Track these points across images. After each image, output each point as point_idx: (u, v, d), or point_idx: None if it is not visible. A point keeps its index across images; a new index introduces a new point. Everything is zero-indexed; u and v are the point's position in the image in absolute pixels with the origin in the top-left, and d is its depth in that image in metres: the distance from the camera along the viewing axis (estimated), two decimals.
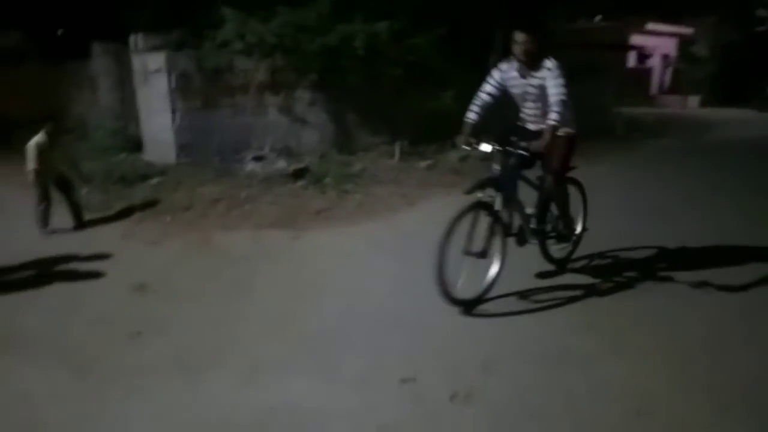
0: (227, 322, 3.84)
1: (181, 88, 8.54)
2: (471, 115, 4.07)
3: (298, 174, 7.73)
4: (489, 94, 4.08)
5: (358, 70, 9.38)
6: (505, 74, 4.05)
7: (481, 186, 3.81)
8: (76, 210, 6.12)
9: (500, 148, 3.83)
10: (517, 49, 3.84)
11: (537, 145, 3.76)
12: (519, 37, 3.80)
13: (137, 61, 9.01)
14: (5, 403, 2.94)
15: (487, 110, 4.08)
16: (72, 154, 6.53)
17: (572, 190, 4.49)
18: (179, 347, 3.48)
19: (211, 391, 3.00)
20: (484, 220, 3.81)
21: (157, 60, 8.56)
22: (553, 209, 4.33)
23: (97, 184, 7.20)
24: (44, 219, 5.89)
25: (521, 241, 4.19)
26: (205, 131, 8.58)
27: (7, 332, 3.73)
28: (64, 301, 4.22)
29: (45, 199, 5.89)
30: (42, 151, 5.74)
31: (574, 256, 4.71)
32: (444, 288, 3.66)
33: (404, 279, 4.49)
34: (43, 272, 4.79)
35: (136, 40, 8.98)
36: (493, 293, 3.98)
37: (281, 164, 8.09)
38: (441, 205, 6.80)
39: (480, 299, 3.90)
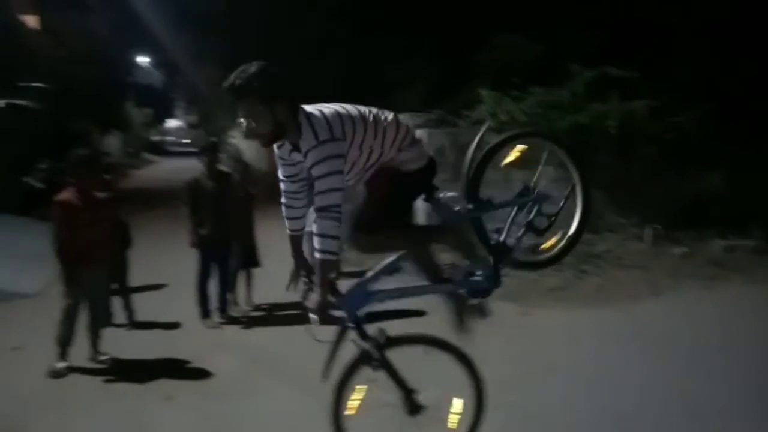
0: (445, 387, 4.07)
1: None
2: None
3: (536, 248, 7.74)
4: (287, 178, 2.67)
5: (610, 147, 9.14)
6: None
7: None
8: None
9: None
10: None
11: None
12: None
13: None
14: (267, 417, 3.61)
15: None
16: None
17: None
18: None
19: None
20: None
21: (417, 136, 9.57)
22: None
23: None
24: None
25: None
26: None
27: (273, 359, 4.52)
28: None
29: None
30: None
31: None
32: None
33: (636, 379, 4.20)
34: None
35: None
36: None
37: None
38: (694, 300, 6.19)
39: None
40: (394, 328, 2.77)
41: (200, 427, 3.63)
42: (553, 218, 3.08)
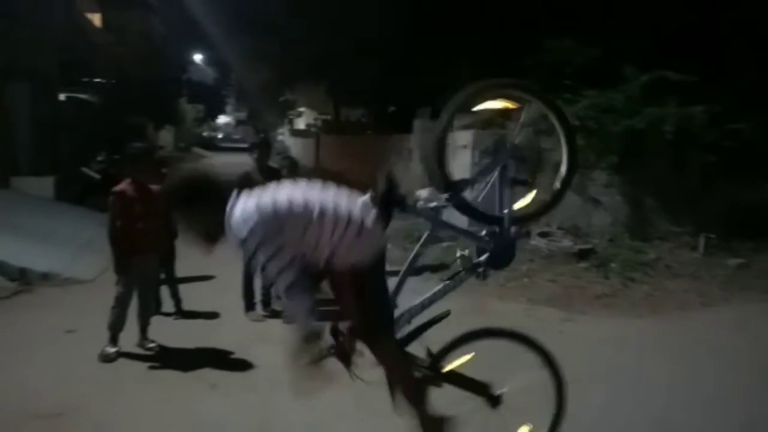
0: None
1: (482, 162, 9.30)
2: None
3: (583, 255, 7.60)
4: None
5: (665, 153, 8.86)
6: None
7: None
8: None
9: None
10: None
11: None
12: None
13: (448, 138, 10.11)
14: (307, 409, 3.65)
15: None
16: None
17: None
18: None
19: None
20: None
21: (465, 137, 9.52)
22: None
23: (398, 241, 8.25)
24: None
25: None
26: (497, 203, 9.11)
27: None
28: None
29: None
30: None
31: None
32: None
33: (682, 392, 4.06)
34: None
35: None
36: None
37: (566, 243, 8.07)
38: (748, 313, 5.94)
39: None
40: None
41: (244, 416, 3.70)
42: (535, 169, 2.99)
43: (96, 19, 20.10)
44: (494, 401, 2.83)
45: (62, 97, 15.33)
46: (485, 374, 2.85)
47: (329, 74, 20.56)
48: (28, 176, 11.48)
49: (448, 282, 2.80)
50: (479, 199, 2.95)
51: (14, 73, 11.65)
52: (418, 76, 14.42)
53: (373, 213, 2.45)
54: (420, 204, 2.76)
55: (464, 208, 2.80)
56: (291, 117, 33.32)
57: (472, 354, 2.84)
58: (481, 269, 2.80)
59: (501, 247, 2.79)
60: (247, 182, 5.51)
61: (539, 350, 2.94)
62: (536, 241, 8.23)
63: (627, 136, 8.83)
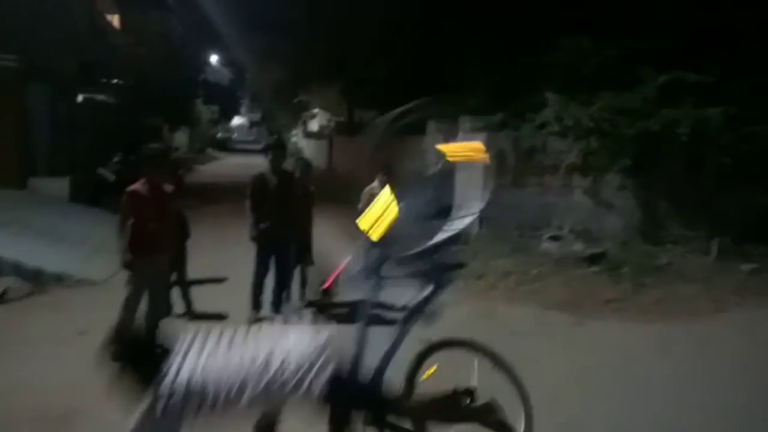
0: (491, 389, 4.03)
1: (496, 165, 9.27)
2: None
3: (594, 259, 7.55)
4: None
5: (679, 156, 8.77)
6: None
7: None
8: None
9: None
10: None
11: None
12: None
13: (461, 140, 10.12)
14: None
15: None
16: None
17: None
18: None
19: None
20: None
21: (479, 138, 9.46)
22: None
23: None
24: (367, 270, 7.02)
25: None
26: (509, 206, 9.06)
27: None
28: None
29: None
30: (372, 196, 6.93)
31: None
32: None
33: (692, 397, 4.03)
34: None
35: (464, 121, 10.14)
36: None
37: (578, 246, 8.02)
38: (761, 318, 5.86)
39: None
40: None
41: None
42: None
43: (115, 20, 20.33)
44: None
45: (80, 98, 15.53)
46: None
47: (343, 75, 20.65)
48: (45, 177, 11.66)
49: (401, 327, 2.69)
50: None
51: (33, 75, 11.84)
52: (432, 76, 14.42)
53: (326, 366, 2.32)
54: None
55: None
56: (305, 118, 33.46)
57: (435, 366, 2.84)
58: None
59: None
60: (260, 183, 5.61)
61: (494, 358, 2.89)
62: (547, 245, 8.19)
63: (641, 138, 8.75)
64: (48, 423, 3.57)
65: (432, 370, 2.88)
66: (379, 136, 2.81)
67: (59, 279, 6.66)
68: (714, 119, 8.43)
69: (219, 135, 37.44)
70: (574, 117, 8.90)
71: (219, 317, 5.62)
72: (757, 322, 5.75)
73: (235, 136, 38.98)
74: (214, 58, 37.92)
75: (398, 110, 2.87)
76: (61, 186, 11.41)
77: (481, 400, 2.76)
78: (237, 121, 46.40)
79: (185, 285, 5.77)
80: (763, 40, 9.65)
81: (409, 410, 2.70)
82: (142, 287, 4.61)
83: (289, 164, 6.14)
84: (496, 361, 2.88)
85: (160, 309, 4.88)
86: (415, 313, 2.68)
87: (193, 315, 5.68)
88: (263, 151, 5.97)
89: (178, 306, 5.68)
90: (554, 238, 8.30)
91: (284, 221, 5.52)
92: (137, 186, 4.62)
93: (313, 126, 32.52)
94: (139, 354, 2.46)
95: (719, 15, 10.03)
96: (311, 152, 27.70)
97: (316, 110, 31.38)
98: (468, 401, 2.75)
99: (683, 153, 8.72)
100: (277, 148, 5.75)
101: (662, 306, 6.23)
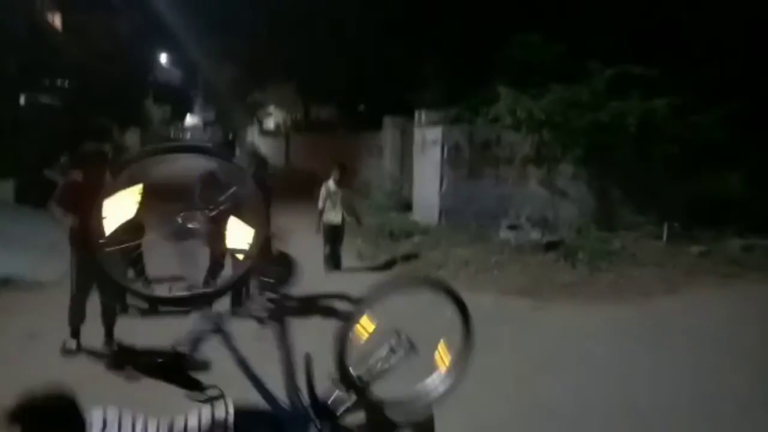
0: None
1: (452, 158, 9.38)
2: None
3: (551, 246, 7.72)
4: None
5: (629, 146, 9.05)
6: None
7: None
8: (337, 258, 7.10)
9: None
10: None
11: None
12: None
13: (418, 134, 10.23)
14: None
15: None
16: (352, 201, 7.51)
17: None
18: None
19: None
20: None
21: (434, 133, 9.58)
22: None
23: (370, 237, 8.25)
24: (326, 260, 7.00)
25: None
26: (467, 198, 9.20)
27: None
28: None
29: (326, 242, 7.02)
30: (329, 193, 6.92)
31: None
32: None
33: (647, 374, 4.17)
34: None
35: (420, 115, 10.22)
36: None
37: (535, 235, 8.18)
38: (710, 298, 6.11)
39: None
40: None
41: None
42: None
43: (56, 20, 19.61)
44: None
45: (22, 100, 14.95)
46: None
47: (298, 73, 20.48)
48: None
49: None
50: None
51: None
52: (388, 73, 14.46)
53: None
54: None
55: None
56: (260, 117, 33.04)
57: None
58: None
59: None
60: (210, 182, 5.49)
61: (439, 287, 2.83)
62: (505, 234, 8.33)
63: (592, 129, 8.99)
64: None
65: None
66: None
67: (6, 282, 6.38)
68: (660, 110, 8.75)
69: (172, 135, 36.56)
70: (527, 110, 9.07)
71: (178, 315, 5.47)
72: (706, 301, 6.01)
73: (189, 136, 38.11)
74: (163, 58, 37.00)
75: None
76: (4, 189, 10.93)
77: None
78: (190, 120, 45.42)
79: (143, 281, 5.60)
80: (705, 33, 10.08)
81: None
82: (86, 283, 4.47)
83: (245, 161, 6.05)
84: (430, 282, 2.81)
85: (113, 308, 4.73)
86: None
87: (152, 312, 5.52)
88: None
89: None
90: (512, 228, 8.44)
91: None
92: (76, 178, 4.54)
93: (269, 124, 32.13)
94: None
95: (663, 11, 10.42)
96: (268, 150, 27.37)
97: (271, 108, 31.02)
98: None
99: (632, 143, 9.01)
100: (224, 147, 5.70)
101: (617, 288, 6.43)
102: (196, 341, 2.26)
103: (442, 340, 2.67)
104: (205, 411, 2.19)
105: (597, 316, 5.55)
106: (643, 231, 8.75)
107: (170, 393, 2.24)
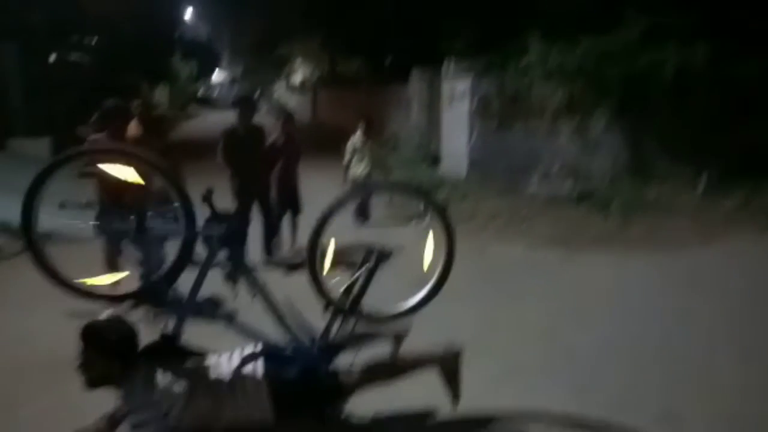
0: (486, 323, 4.11)
1: (481, 109, 9.21)
2: None
3: (582, 197, 7.61)
4: None
5: (665, 96, 8.74)
6: None
7: None
8: (365, 211, 7.14)
9: None
10: None
11: None
12: None
13: (446, 86, 10.04)
14: None
15: None
16: (379, 155, 7.46)
17: None
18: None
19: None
20: None
21: (463, 84, 9.40)
22: None
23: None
24: (355, 213, 7.03)
25: None
26: (496, 150, 9.07)
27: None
28: None
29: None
30: (355, 148, 6.92)
31: None
32: None
33: (680, 321, 4.14)
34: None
35: (448, 66, 10.01)
36: None
37: (566, 186, 8.06)
38: (745, 248, 5.99)
39: None
40: None
41: None
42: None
43: None
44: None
45: (52, 58, 15.09)
46: None
47: (324, 27, 20.16)
48: (23, 138, 11.40)
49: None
50: None
51: (1, 34, 11.44)
52: (414, 22, 14.13)
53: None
54: None
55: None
56: (287, 72, 32.79)
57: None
58: None
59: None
60: (230, 138, 5.56)
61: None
62: (535, 186, 8.23)
63: (626, 79, 8.70)
64: (55, 370, 3.60)
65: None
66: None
67: (48, 236, 6.61)
68: (698, 58, 8.39)
69: (200, 92, 36.59)
70: (558, 60, 8.81)
71: None
72: (741, 252, 5.88)
73: (216, 92, 38.05)
74: (189, 14, 36.76)
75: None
76: (41, 146, 11.17)
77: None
78: (218, 77, 45.33)
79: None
80: None
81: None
82: (114, 237, 4.59)
83: (273, 116, 6.09)
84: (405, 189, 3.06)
85: (152, 262, 4.87)
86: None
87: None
88: (232, 106, 5.93)
89: None
90: (543, 179, 8.32)
91: (255, 174, 5.57)
92: (99, 137, 4.60)
93: (296, 79, 31.92)
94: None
95: None
96: (295, 105, 27.31)
97: (297, 63, 30.75)
98: None
99: (668, 93, 8.70)
100: (245, 103, 5.77)
101: (650, 240, 6.33)
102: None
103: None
104: (238, 350, 2.76)
105: (629, 267, 5.50)
106: (679, 181, 8.53)
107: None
